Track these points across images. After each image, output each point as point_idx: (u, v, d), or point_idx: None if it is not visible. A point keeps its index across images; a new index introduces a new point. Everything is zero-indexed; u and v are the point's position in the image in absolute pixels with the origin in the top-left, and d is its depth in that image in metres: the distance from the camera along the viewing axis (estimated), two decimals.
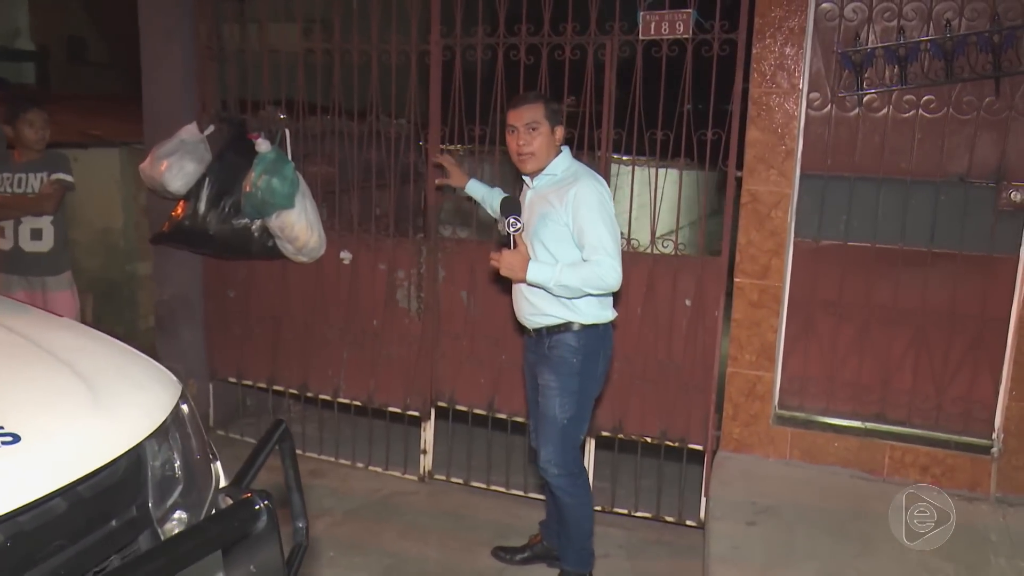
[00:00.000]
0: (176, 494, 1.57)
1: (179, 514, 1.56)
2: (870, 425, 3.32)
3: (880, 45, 3.10)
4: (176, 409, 1.66)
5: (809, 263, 3.34)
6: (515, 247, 2.72)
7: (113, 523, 1.39)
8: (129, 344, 1.86)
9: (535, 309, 2.83)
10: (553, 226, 2.75)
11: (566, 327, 2.81)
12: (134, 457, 1.47)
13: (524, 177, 2.94)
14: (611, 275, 2.65)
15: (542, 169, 2.83)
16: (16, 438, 1.30)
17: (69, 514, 1.31)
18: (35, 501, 1.25)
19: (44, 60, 11.59)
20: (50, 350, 1.64)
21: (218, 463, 1.80)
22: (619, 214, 2.87)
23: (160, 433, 1.56)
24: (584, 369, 2.84)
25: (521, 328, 3.01)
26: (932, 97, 3.10)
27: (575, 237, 2.73)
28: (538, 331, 2.87)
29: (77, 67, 12.56)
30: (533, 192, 2.88)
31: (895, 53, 3.08)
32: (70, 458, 1.34)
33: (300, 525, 1.65)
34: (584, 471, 2.98)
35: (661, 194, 3.45)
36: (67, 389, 1.51)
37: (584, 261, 2.68)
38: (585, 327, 2.81)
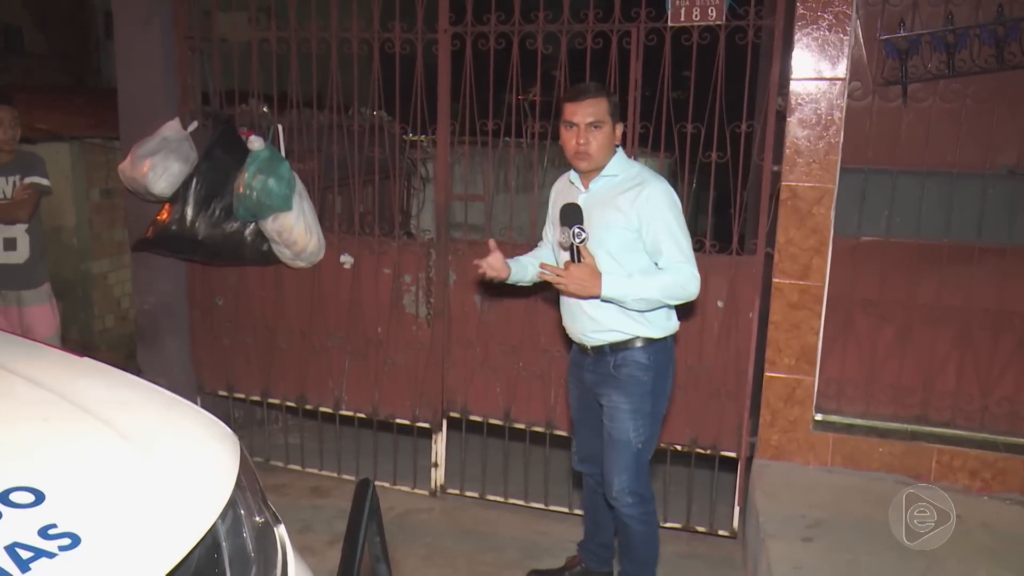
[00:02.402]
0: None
1: None
2: (915, 428, 3.19)
3: (926, 31, 2.94)
4: (240, 471, 1.40)
5: (848, 261, 3.18)
6: (579, 259, 2.43)
7: None
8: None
9: (599, 325, 2.56)
10: (622, 233, 2.49)
11: (631, 343, 2.56)
12: (208, 542, 1.21)
13: (572, 179, 2.67)
14: (692, 283, 2.45)
15: (598, 169, 2.57)
16: (75, 540, 1.04)
17: None
18: None
19: None
20: (83, 406, 1.37)
21: (282, 526, 1.54)
22: None
23: (229, 505, 1.31)
24: (656, 387, 2.60)
25: (568, 342, 2.77)
26: (981, 86, 2.96)
27: (646, 244, 2.49)
28: (598, 348, 2.61)
29: (13, 58, 11.92)
30: (589, 195, 2.58)
31: (942, 40, 2.92)
32: (141, 559, 1.08)
33: None
34: (653, 496, 2.73)
35: None
36: (117, 461, 1.25)
37: (660, 270, 2.47)
38: (652, 341, 2.57)
